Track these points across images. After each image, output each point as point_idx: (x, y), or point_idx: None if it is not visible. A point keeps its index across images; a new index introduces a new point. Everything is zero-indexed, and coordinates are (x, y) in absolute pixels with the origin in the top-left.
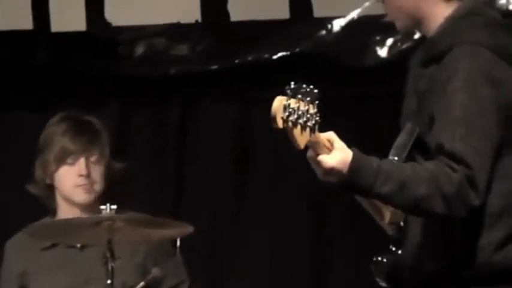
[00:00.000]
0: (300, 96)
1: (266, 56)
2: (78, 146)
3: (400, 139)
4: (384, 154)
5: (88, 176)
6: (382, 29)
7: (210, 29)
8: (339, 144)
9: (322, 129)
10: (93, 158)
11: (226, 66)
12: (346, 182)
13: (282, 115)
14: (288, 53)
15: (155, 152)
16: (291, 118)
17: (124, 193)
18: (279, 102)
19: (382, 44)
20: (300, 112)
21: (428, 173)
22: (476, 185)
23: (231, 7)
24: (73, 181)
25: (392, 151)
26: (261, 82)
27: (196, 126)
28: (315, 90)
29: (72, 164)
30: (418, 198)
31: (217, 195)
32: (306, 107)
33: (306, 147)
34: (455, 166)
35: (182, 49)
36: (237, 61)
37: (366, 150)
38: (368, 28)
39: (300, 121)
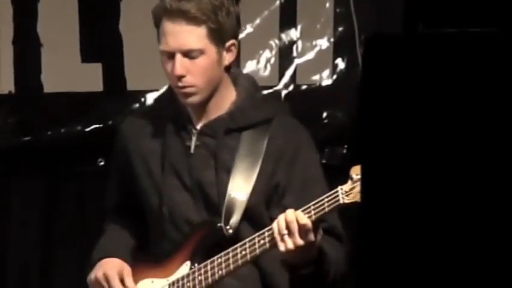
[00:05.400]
0: None
1: (79, 128)
2: None
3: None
4: None
5: None
6: None
7: (23, 100)
8: None
9: None
10: None
11: (39, 138)
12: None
13: None
14: (102, 125)
15: None
16: None
17: None
18: None
19: None
20: None
21: None
22: None
23: (44, 78)
24: None
25: None
26: (74, 155)
27: (8, 199)
28: None
29: None
30: None
31: (25, 273)
32: None
33: None
34: None
35: None
36: (49, 133)
37: None
38: None
39: None
